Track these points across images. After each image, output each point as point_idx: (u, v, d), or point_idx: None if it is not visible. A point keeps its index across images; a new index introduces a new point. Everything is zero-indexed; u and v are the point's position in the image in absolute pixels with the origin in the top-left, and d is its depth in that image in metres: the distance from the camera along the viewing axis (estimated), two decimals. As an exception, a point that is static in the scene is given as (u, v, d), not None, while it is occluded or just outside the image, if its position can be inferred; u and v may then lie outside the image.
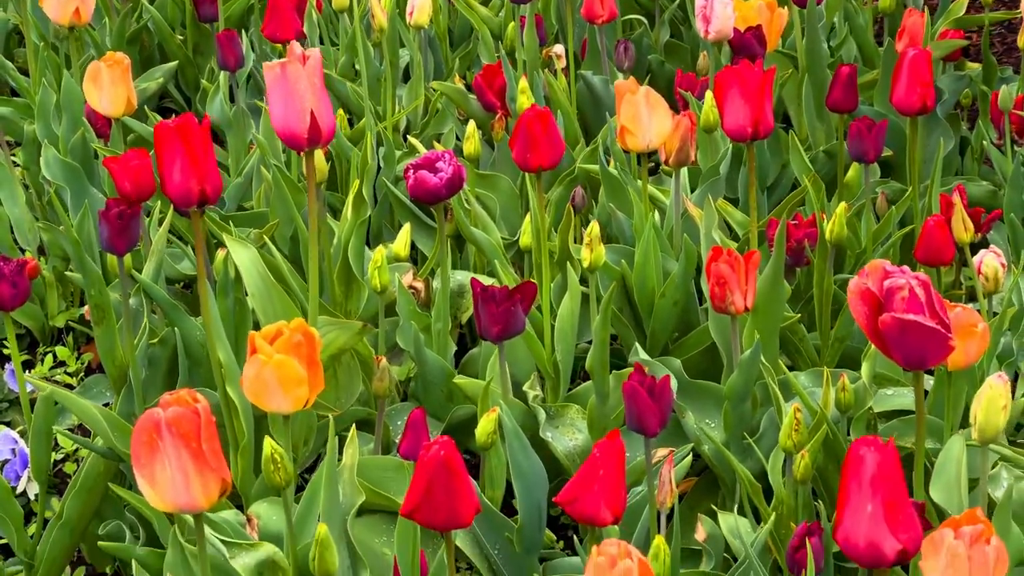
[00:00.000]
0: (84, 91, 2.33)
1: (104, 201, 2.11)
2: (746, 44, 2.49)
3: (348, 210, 2.16)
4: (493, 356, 1.95)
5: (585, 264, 1.97)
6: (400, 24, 2.93)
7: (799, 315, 2.10)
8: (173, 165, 1.63)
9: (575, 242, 2.24)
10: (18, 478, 2.05)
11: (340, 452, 1.65)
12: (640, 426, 1.57)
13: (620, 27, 3.04)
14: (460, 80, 3.00)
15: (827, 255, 2.07)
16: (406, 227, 2.20)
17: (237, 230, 2.17)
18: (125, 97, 2.30)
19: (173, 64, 3.10)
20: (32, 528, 1.97)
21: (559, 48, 2.93)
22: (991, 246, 2.11)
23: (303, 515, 1.64)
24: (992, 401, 1.49)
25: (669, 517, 1.60)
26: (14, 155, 2.85)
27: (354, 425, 1.73)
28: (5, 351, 2.42)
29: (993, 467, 1.73)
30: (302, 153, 1.70)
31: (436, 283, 2.13)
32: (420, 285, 2.22)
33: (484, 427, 1.71)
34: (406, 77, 3.05)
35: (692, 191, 2.36)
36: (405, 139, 2.75)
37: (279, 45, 2.63)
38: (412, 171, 1.93)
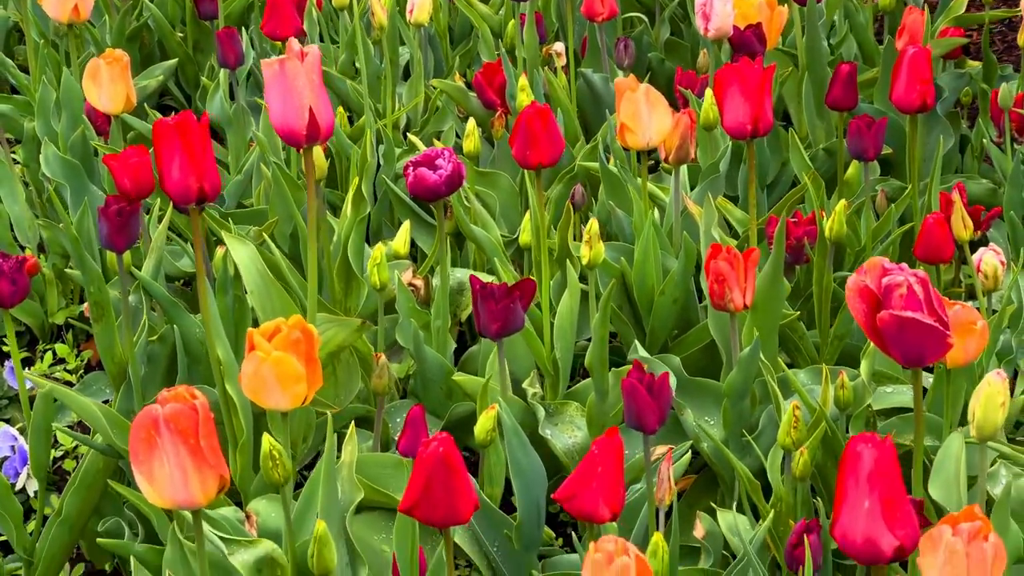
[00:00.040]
0: (83, 88, 2.33)
1: (104, 198, 2.11)
2: (746, 42, 2.49)
3: (348, 207, 2.16)
4: (492, 354, 1.95)
5: (584, 262, 1.97)
6: (400, 22, 2.94)
7: (798, 313, 2.10)
8: (172, 163, 1.63)
9: (575, 240, 2.24)
10: (17, 475, 2.06)
11: (339, 449, 1.65)
12: (639, 423, 1.57)
13: (620, 25, 3.04)
14: (460, 78, 3.00)
15: (827, 253, 2.07)
16: (406, 224, 2.20)
17: (237, 228, 2.17)
18: (124, 94, 2.30)
19: (173, 62, 3.10)
20: (31, 525, 1.97)
21: (559, 46, 2.93)
22: (991, 244, 2.11)
23: (302, 512, 1.64)
24: (990, 398, 1.48)
25: (668, 514, 1.60)
26: (14, 152, 2.85)
27: (353, 422, 1.73)
28: (5, 348, 2.42)
29: (992, 464, 1.73)
30: (301, 150, 1.70)
31: (436, 280, 2.13)
32: (420, 282, 2.22)
33: (483, 424, 1.71)
34: (406, 75, 3.05)
35: (692, 189, 2.36)
36: (405, 137, 2.75)
37: (279, 43, 2.64)
38: (412, 168, 1.92)
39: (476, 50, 3.11)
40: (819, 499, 1.74)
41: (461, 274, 2.25)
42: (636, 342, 2.00)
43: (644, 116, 2.09)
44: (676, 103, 2.55)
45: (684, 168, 2.30)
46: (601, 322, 1.90)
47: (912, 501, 1.25)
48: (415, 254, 2.48)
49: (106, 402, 2.09)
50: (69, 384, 2.33)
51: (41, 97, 2.62)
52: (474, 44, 3.14)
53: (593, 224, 1.96)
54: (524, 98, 2.38)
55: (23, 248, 2.58)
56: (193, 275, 2.36)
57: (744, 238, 2.19)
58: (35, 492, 2.02)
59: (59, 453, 2.22)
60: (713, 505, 1.77)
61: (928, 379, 1.92)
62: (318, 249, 2.04)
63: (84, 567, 2.00)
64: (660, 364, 1.93)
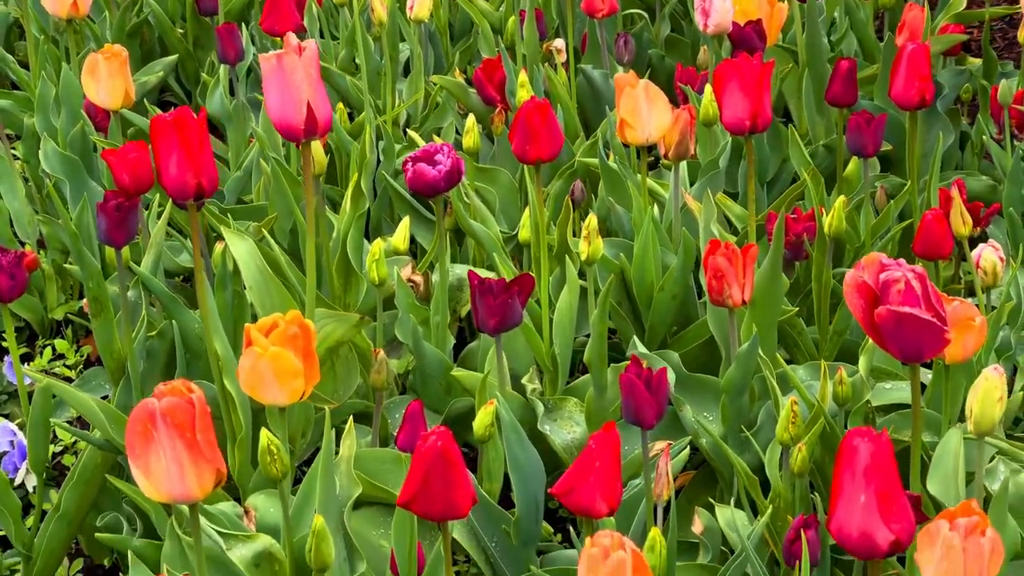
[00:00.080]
0: (82, 84, 2.33)
1: (103, 194, 2.11)
2: (746, 38, 2.48)
3: (347, 203, 2.16)
4: (491, 349, 1.95)
5: (583, 257, 1.97)
6: (400, 18, 2.93)
7: (797, 309, 2.10)
8: (169, 158, 1.62)
9: (574, 236, 2.24)
10: (16, 470, 2.06)
11: (337, 444, 1.65)
12: (637, 418, 1.57)
13: (620, 21, 3.04)
14: (460, 74, 3.00)
15: (826, 249, 2.07)
16: (405, 220, 2.20)
17: (236, 223, 2.17)
18: (123, 89, 2.30)
19: (173, 58, 3.10)
20: (30, 520, 1.97)
21: (559, 42, 2.93)
22: (990, 240, 2.11)
23: (300, 507, 1.64)
24: (988, 394, 1.48)
25: (666, 510, 1.60)
26: (14, 148, 2.85)
27: (352, 418, 1.73)
28: (4, 344, 2.42)
29: (991, 460, 1.73)
30: (299, 144, 1.70)
31: (435, 276, 2.13)
32: (419, 278, 2.22)
33: (482, 420, 1.71)
34: (406, 71, 3.05)
35: (691, 185, 2.36)
36: (405, 133, 2.75)
37: (279, 39, 2.63)
38: (411, 164, 1.92)
39: (476, 46, 3.11)
40: (817, 495, 1.74)
41: (460, 270, 2.25)
42: (635, 338, 2.00)
43: (644, 112, 2.09)
44: (676, 99, 2.55)
45: (684, 164, 2.30)
46: (600, 318, 1.90)
47: (909, 496, 1.25)
48: (414, 250, 2.47)
49: (105, 397, 2.09)
50: (68, 379, 2.33)
51: (41, 93, 2.61)
52: (474, 40, 3.14)
53: (592, 220, 1.96)
54: (524, 94, 2.38)
55: (23, 244, 2.58)
56: (192, 271, 2.36)
57: (743, 234, 2.19)
58: (34, 487, 2.02)
59: (58, 448, 2.22)
60: (711, 501, 1.77)
61: (927, 375, 1.92)
62: (317, 245, 2.04)
63: (83, 562, 2.00)
64: (659, 360, 1.93)
